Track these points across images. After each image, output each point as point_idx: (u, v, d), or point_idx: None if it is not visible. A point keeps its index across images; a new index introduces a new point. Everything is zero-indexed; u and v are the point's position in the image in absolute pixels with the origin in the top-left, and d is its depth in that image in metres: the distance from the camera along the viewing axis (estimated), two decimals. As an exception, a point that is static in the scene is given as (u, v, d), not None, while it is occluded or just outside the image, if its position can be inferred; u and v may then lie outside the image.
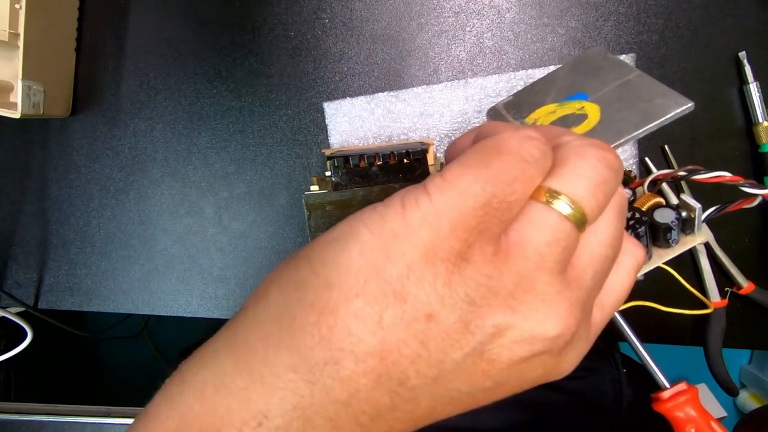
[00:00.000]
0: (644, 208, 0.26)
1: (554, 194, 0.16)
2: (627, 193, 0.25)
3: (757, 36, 0.37)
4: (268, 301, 0.18)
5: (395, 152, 0.30)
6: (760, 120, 0.37)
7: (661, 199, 0.26)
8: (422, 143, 0.35)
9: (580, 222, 0.17)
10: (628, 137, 0.23)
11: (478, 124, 0.39)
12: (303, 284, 0.17)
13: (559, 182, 0.17)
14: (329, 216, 0.29)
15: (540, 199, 0.16)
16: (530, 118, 0.26)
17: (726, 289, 0.39)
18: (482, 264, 0.16)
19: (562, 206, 0.16)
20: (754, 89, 0.37)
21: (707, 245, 0.38)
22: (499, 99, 0.39)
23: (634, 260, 0.20)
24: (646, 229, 0.26)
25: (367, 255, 0.16)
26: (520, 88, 0.39)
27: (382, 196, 0.28)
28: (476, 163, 0.16)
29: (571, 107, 0.25)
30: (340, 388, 0.16)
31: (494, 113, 0.30)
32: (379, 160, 0.30)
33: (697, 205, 0.26)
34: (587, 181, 0.17)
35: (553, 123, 0.25)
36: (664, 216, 0.26)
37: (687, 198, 0.26)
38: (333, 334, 0.16)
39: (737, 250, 0.39)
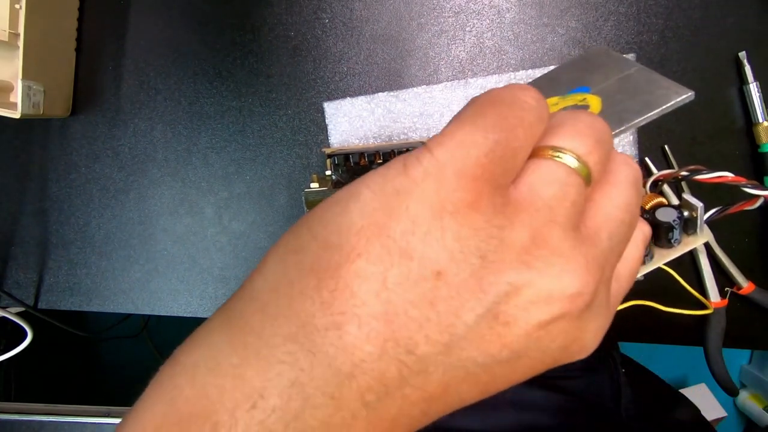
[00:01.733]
0: (646, 208, 0.26)
1: (558, 149, 0.16)
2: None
3: (757, 36, 0.37)
4: (266, 272, 0.16)
5: (396, 150, 0.29)
6: (760, 120, 0.37)
7: (663, 199, 0.26)
8: (422, 143, 0.35)
9: (587, 176, 0.16)
10: (629, 124, 0.23)
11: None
12: (301, 249, 0.16)
13: (559, 140, 0.17)
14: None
15: (545, 155, 0.16)
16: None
17: (726, 289, 0.39)
18: (493, 214, 0.15)
19: (569, 159, 0.16)
20: (754, 89, 0.37)
21: (707, 245, 0.38)
22: (499, 99, 0.39)
23: (641, 234, 0.20)
24: None
25: (369, 214, 0.15)
26: (520, 88, 0.39)
27: None
28: (473, 115, 0.16)
29: (573, 99, 0.25)
30: (342, 357, 0.14)
31: None
32: (380, 158, 0.30)
33: (699, 204, 0.26)
34: (587, 138, 0.17)
35: None
36: (665, 215, 0.25)
37: (689, 197, 0.26)
38: (335, 298, 0.15)
39: (737, 250, 0.39)
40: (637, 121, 0.23)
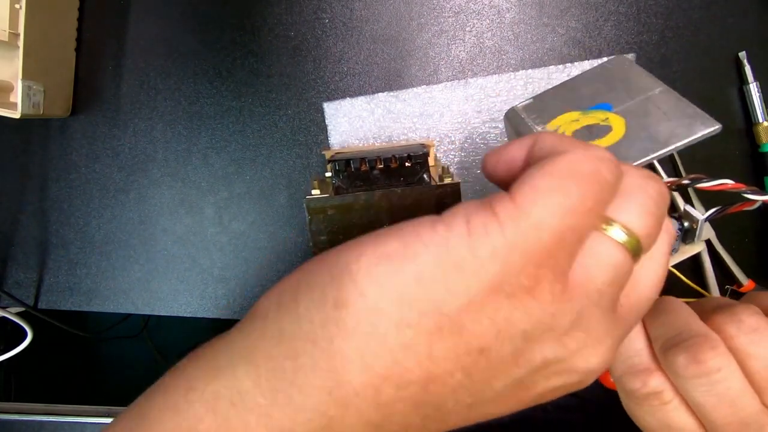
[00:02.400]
0: None
1: (621, 227, 0.16)
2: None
3: (757, 36, 0.37)
4: (297, 314, 0.16)
5: (396, 155, 0.29)
6: (760, 120, 0.37)
7: None
8: (423, 145, 0.35)
9: (636, 251, 0.16)
10: (653, 156, 0.22)
11: (478, 124, 0.40)
12: (345, 303, 0.15)
13: (624, 214, 0.16)
14: (330, 220, 0.28)
15: (606, 230, 0.16)
16: (552, 125, 0.26)
17: (726, 287, 0.39)
18: (549, 303, 0.15)
19: (629, 241, 0.16)
20: (754, 89, 0.37)
21: (709, 243, 0.38)
22: (499, 99, 0.39)
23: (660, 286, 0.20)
24: None
25: (426, 285, 0.14)
26: (519, 88, 0.39)
27: (384, 200, 0.28)
28: (552, 190, 0.15)
29: (595, 117, 0.25)
30: (375, 413, 0.15)
31: (513, 115, 0.29)
32: (381, 164, 0.30)
33: (700, 217, 0.26)
34: (652, 218, 0.16)
35: (576, 132, 0.25)
36: None
37: (691, 209, 0.26)
38: (377, 362, 0.15)
39: (738, 248, 0.39)
40: (662, 152, 0.22)
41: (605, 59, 0.38)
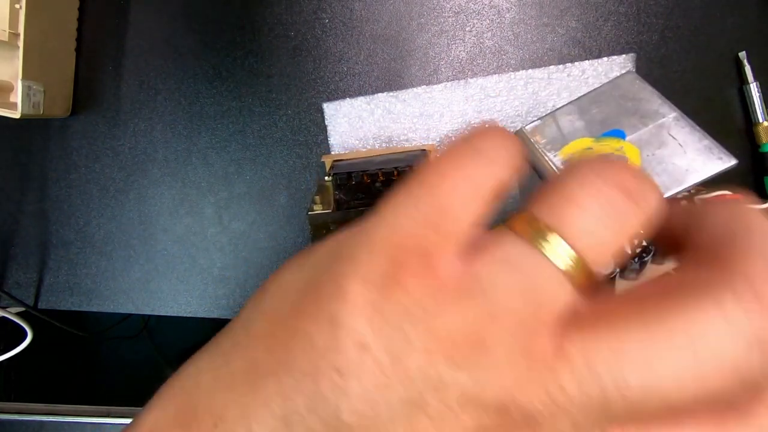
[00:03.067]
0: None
1: (551, 231, 0.13)
2: None
3: (757, 36, 0.37)
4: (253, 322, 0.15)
5: (399, 168, 0.29)
6: (760, 120, 0.37)
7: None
8: (423, 149, 0.35)
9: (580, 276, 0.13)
10: (670, 193, 0.22)
11: (477, 123, 0.40)
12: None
13: (548, 212, 0.13)
14: (333, 234, 0.29)
15: (523, 230, 0.13)
16: (564, 152, 0.25)
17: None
18: (422, 294, 0.13)
19: (558, 251, 0.12)
20: (754, 89, 0.37)
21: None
22: (499, 99, 0.39)
23: None
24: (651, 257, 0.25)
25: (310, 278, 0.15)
26: (520, 88, 0.39)
27: None
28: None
29: (609, 145, 0.24)
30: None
31: (523, 138, 0.29)
32: (382, 176, 0.30)
33: None
34: (607, 220, 0.12)
35: None
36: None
37: None
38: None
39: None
40: (679, 189, 0.22)
41: (614, 72, 0.38)
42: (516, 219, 0.13)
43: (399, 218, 0.13)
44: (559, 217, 0.12)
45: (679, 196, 0.25)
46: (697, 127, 0.24)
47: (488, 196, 0.13)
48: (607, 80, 0.26)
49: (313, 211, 0.29)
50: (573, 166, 0.13)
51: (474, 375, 0.12)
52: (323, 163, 0.41)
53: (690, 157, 0.23)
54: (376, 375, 0.12)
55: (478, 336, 0.12)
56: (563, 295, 0.12)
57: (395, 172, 0.29)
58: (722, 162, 0.22)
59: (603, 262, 0.12)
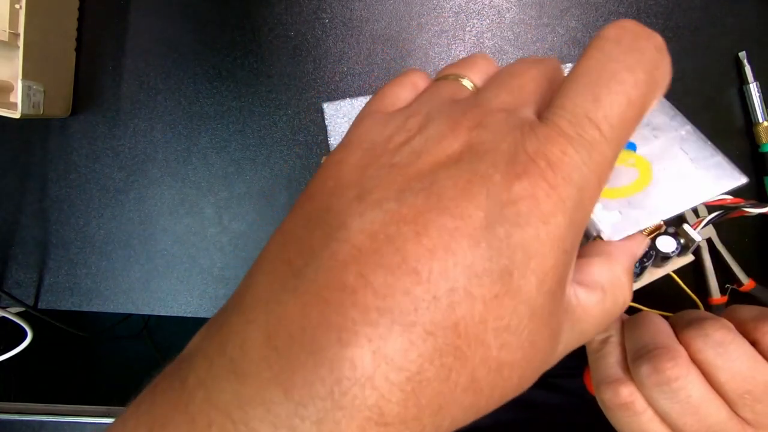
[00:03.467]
0: (646, 233, 0.26)
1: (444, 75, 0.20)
2: None
3: (757, 36, 0.37)
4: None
5: None
6: (760, 120, 0.37)
7: (662, 224, 0.26)
8: None
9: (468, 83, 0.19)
10: (682, 210, 0.22)
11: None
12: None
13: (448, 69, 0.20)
14: None
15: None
16: None
17: (727, 285, 0.39)
18: (372, 121, 0.20)
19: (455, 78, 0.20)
20: (754, 89, 0.37)
21: (709, 242, 0.39)
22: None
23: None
24: (651, 260, 0.25)
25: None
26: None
27: None
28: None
29: (621, 158, 0.24)
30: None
31: None
32: None
33: (698, 238, 0.26)
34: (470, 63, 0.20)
35: None
36: (666, 245, 0.26)
37: (690, 231, 0.26)
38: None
39: (738, 248, 0.39)
40: (690, 206, 0.22)
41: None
42: (439, 75, 0.20)
43: (359, 112, 0.20)
44: (450, 70, 0.20)
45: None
46: (709, 143, 0.23)
47: (408, 86, 0.20)
48: None
49: None
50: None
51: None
52: (322, 161, 0.41)
53: (701, 174, 0.23)
54: (353, 169, 0.17)
55: (419, 112, 0.18)
56: (465, 89, 0.19)
57: None
58: (733, 180, 0.22)
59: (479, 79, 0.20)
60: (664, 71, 0.17)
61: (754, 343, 0.23)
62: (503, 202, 0.14)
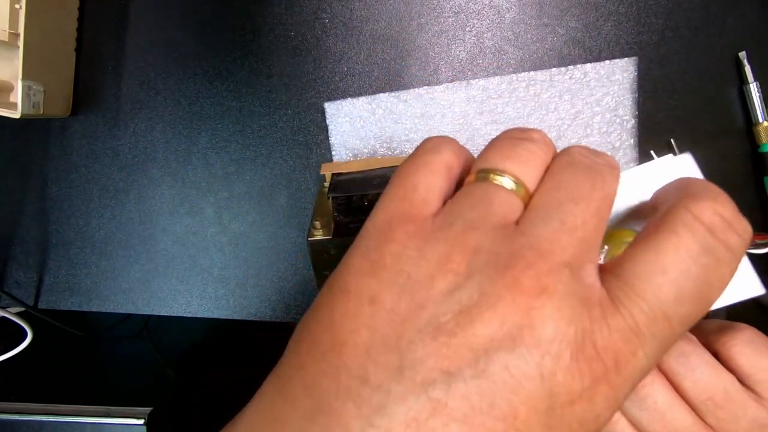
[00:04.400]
0: None
1: (481, 171, 0.17)
2: None
3: (757, 36, 0.37)
4: None
5: None
6: (760, 120, 0.37)
7: None
8: None
9: (518, 188, 0.17)
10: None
11: (480, 126, 0.39)
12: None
13: (482, 162, 0.18)
14: (334, 258, 0.29)
15: (468, 180, 0.17)
16: (603, 240, 0.24)
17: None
18: (407, 238, 0.16)
19: (493, 178, 0.17)
20: (754, 89, 0.37)
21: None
22: (501, 101, 0.39)
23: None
24: None
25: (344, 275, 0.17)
26: (522, 90, 0.39)
27: None
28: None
29: (619, 237, 0.24)
30: None
31: None
32: None
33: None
34: (509, 152, 0.17)
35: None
36: None
37: None
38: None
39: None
40: (712, 309, 0.22)
41: (616, 75, 0.38)
42: (466, 178, 0.18)
43: (381, 206, 0.17)
44: (490, 162, 0.17)
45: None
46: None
47: (441, 171, 0.18)
48: (655, 161, 0.24)
49: (313, 236, 0.29)
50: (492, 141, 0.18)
51: (476, 281, 0.14)
52: (323, 156, 0.41)
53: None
54: (391, 320, 0.14)
55: (466, 246, 0.15)
56: (514, 201, 0.16)
57: None
58: (751, 291, 0.22)
59: (532, 180, 0.17)
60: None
61: (715, 354, 0.24)
62: (562, 404, 0.13)
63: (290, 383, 0.15)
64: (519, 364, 0.13)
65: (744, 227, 0.16)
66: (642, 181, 0.23)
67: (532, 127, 0.19)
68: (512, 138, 0.18)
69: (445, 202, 0.17)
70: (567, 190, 0.16)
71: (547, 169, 0.17)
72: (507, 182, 0.16)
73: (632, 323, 0.14)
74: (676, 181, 0.18)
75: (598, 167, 0.17)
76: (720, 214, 0.15)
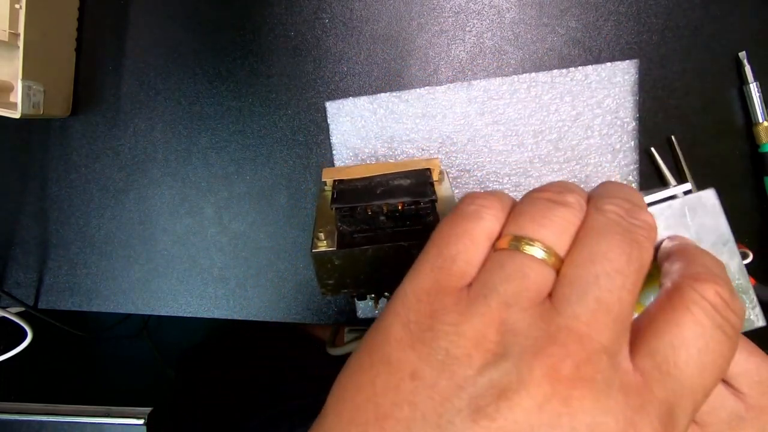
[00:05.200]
0: None
1: (516, 239, 0.17)
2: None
3: (757, 36, 0.37)
4: None
5: (406, 203, 0.29)
6: (760, 120, 0.37)
7: None
8: (427, 166, 0.34)
9: (549, 255, 0.17)
10: None
11: (481, 127, 0.39)
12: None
13: (514, 227, 0.18)
14: (337, 267, 0.29)
15: (502, 246, 0.18)
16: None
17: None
18: (443, 314, 0.16)
19: (525, 247, 0.17)
20: (754, 89, 0.37)
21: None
22: (502, 102, 0.39)
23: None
24: None
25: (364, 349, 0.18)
26: (523, 91, 0.39)
27: (391, 253, 0.28)
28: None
29: (654, 276, 0.23)
30: None
31: None
32: (387, 209, 0.29)
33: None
34: (544, 220, 0.17)
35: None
36: None
37: None
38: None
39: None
40: None
41: (617, 77, 0.38)
42: (497, 241, 0.18)
43: (420, 271, 0.18)
44: (523, 229, 0.17)
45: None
46: (751, 285, 0.23)
47: (481, 242, 0.18)
48: (673, 189, 0.23)
49: (317, 248, 0.29)
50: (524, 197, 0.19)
51: (511, 362, 0.15)
52: (323, 157, 0.41)
53: None
54: (433, 399, 0.15)
55: (502, 324, 0.15)
56: (547, 272, 0.17)
57: (400, 206, 0.29)
58: (759, 321, 0.22)
59: (563, 245, 0.17)
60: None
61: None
62: None
63: None
64: None
65: (739, 306, 0.17)
66: (664, 215, 0.23)
67: (568, 182, 0.19)
68: (547, 201, 0.18)
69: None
70: (603, 263, 0.16)
71: (582, 228, 0.17)
72: (538, 252, 0.17)
73: (668, 407, 0.15)
74: (680, 246, 0.19)
75: (634, 232, 0.17)
76: (720, 295, 0.16)
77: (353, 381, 0.17)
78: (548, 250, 0.17)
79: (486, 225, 0.18)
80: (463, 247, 0.18)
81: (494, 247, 0.18)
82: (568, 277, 0.16)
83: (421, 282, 0.17)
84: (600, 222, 0.17)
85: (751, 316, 0.23)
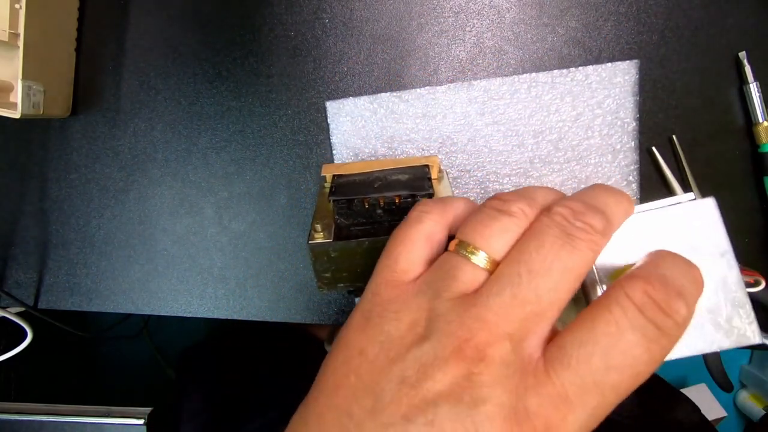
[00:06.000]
0: None
1: (459, 244, 0.20)
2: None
3: (757, 36, 0.37)
4: None
5: (402, 196, 0.29)
6: (760, 120, 0.37)
7: None
8: (425, 164, 0.34)
9: (486, 261, 0.19)
10: (699, 353, 0.22)
11: (481, 127, 0.39)
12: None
13: (459, 234, 0.20)
14: (334, 260, 0.29)
15: (449, 248, 0.21)
16: (612, 276, 0.23)
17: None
18: (390, 303, 0.21)
19: (466, 253, 0.20)
20: (754, 89, 0.37)
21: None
22: (503, 102, 0.39)
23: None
24: None
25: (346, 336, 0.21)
26: (523, 91, 0.39)
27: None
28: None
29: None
30: None
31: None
32: (383, 203, 0.29)
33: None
34: (483, 229, 0.20)
35: None
36: None
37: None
38: None
39: (738, 249, 0.39)
40: (708, 351, 0.22)
41: (617, 77, 0.38)
42: (449, 243, 0.21)
43: (376, 271, 0.22)
44: (466, 236, 0.20)
45: None
46: (748, 299, 0.23)
47: (420, 243, 0.21)
48: (673, 201, 0.23)
49: (314, 240, 0.29)
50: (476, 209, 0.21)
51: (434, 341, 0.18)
52: (323, 156, 0.41)
53: (728, 322, 0.22)
54: (371, 370, 0.18)
55: (429, 313, 0.19)
56: (478, 272, 0.19)
57: (397, 199, 0.29)
58: (755, 337, 0.22)
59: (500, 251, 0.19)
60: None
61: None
62: None
63: (307, 411, 0.20)
64: (460, 419, 0.16)
65: (677, 310, 0.17)
66: (661, 222, 0.23)
67: (528, 190, 0.21)
68: (491, 210, 0.20)
69: (432, 261, 0.21)
70: (528, 262, 0.18)
71: (526, 230, 0.19)
72: (476, 259, 0.19)
73: (562, 391, 0.16)
74: (652, 252, 0.20)
75: (572, 234, 0.18)
76: (650, 296, 0.17)
77: (326, 362, 0.21)
78: (484, 253, 0.19)
79: (424, 228, 0.21)
80: (404, 248, 0.21)
81: (447, 249, 0.21)
82: (496, 274, 0.18)
83: (376, 278, 0.21)
84: (540, 224, 0.19)
85: (747, 332, 0.22)
